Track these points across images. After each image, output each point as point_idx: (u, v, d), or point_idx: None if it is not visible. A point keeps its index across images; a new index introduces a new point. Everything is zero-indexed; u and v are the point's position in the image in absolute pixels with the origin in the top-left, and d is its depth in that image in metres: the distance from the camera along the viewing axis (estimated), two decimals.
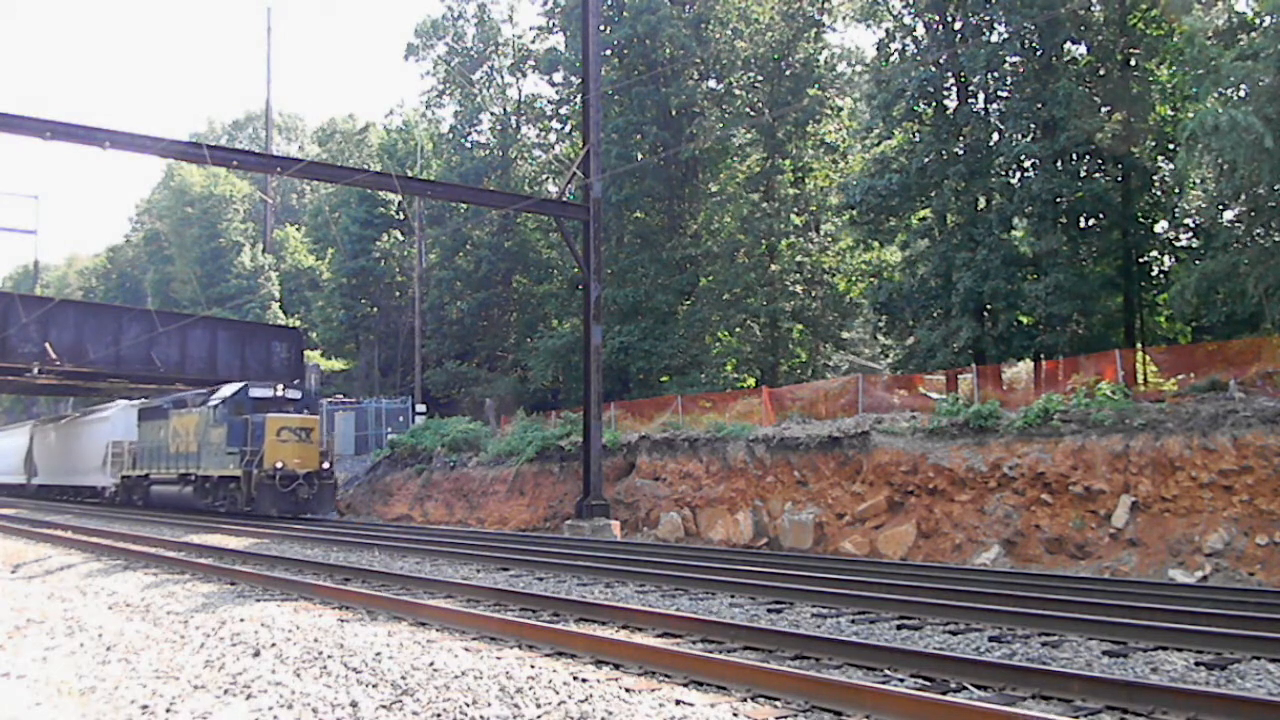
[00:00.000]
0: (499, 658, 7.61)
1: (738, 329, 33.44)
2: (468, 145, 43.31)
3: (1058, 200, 23.33)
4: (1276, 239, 18.35)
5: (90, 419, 38.81)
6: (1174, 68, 23.44)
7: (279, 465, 25.22)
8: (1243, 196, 18.63)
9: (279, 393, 27.36)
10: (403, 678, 6.95)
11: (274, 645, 8.29)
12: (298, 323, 51.83)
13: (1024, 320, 23.83)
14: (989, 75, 25.29)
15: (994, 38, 25.25)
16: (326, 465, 26.69)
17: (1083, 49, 25.49)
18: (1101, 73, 24.71)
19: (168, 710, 6.43)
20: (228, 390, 28.23)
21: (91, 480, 37.13)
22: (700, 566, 13.52)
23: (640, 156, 33.48)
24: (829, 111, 33.94)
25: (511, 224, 39.85)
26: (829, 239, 34.37)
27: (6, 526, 23.46)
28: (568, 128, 40.51)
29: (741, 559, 15.83)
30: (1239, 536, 14.63)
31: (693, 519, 22.78)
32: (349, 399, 42.53)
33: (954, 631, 8.84)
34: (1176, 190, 23.22)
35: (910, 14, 27.51)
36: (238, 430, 26.33)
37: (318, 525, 24.40)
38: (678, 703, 6.21)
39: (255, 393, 27.21)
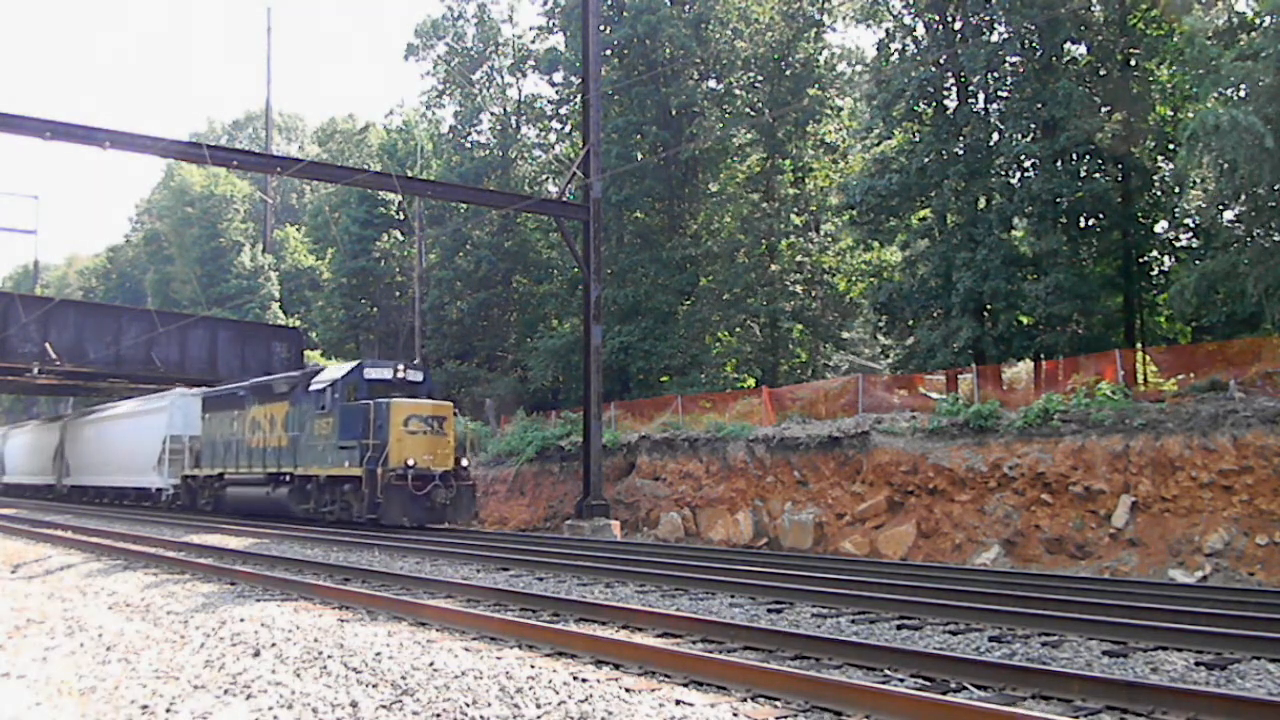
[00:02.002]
0: (499, 658, 7.61)
1: (738, 329, 33.43)
2: (468, 145, 43.30)
3: (1058, 200, 23.33)
4: (1276, 239, 18.34)
5: (140, 410, 34.20)
6: (1174, 68, 23.44)
7: (410, 463, 20.48)
8: (1243, 196, 18.62)
9: (399, 374, 22.63)
10: (403, 678, 6.95)
11: (274, 645, 8.29)
12: (298, 323, 51.81)
13: (1024, 320, 23.83)
14: (989, 75, 25.29)
15: (994, 38, 25.25)
16: (465, 463, 22.17)
17: (1083, 49, 25.48)
18: (1101, 73, 24.71)
19: (168, 710, 6.43)
20: (335, 371, 23.48)
21: (142, 481, 32.90)
22: (700, 566, 13.52)
23: (640, 156, 33.47)
24: (829, 111, 33.94)
25: (511, 224, 39.84)
26: (829, 239, 34.36)
27: (6, 526, 23.45)
28: (568, 128, 40.50)
29: (741, 559, 15.83)
30: (1239, 536, 14.63)
31: (693, 519, 22.78)
32: None
33: (954, 631, 8.83)
34: (1176, 190, 23.20)
35: (910, 14, 27.50)
36: (353, 419, 21.61)
37: (432, 536, 20.16)
38: (678, 703, 6.21)
39: (371, 373, 22.45)
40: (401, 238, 45.75)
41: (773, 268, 32.03)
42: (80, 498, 38.75)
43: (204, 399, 29.76)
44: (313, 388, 23.22)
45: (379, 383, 22.24)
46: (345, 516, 22.10)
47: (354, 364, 23.02)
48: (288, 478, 23.94)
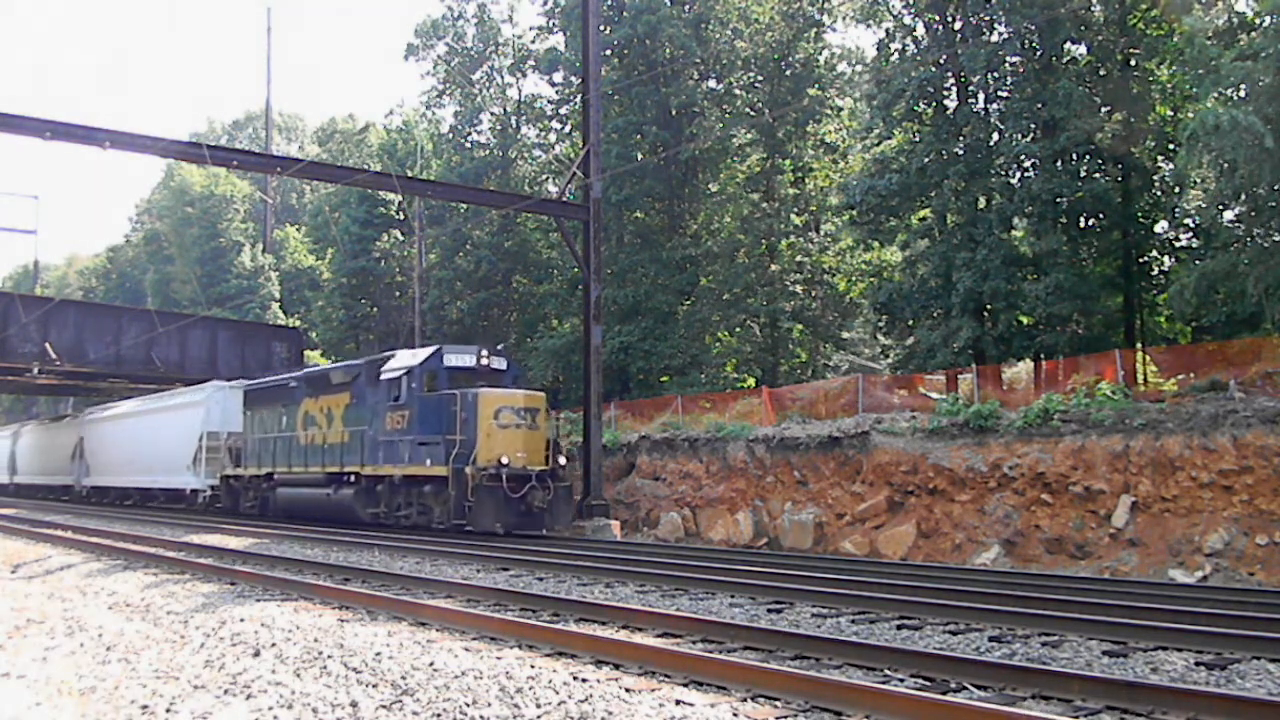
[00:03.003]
0: (499, 658, 7.61)
1: (738, 329, 33.43)
2: (468, 145, 43.30)
3: (1058, 200, 23.34)
4: (1276, 239, 18.35)
5: (173, 405, 31.71)
6: (1174, 68, 23.44)
7: (503, 460, 18.32)
8: (1243, 196, 18.62)
9: (483, 361, 20.33)
10: (403, 678, 6.95)
11: (274, 645, 8.29)
12: (298, 323, 51.81)
13: (1024, 320, 23.84)
14: (989, 75, 25.29)
15: (994, 38, 25.25)
16: (562, 461, 19.82)
17: (1083, 49, 25.48)
18: (1101, 73, 24.71)
19: (168, 710, 6.43)
20: (409, 357, 20.93)
21: (174, 481, 30.64)
22: (700, 566, 13.52)
23: (640, 156, 33.47)
24: (829, 111, 33.94)
25: (511, 224, 39.84)
26: (829, 239, 34.36)
27: (6, 526, 23.45)
28: (568, 128, 40.50)
29: (741, 559, 15.83)
30: (1239, 536, 14.63)
31: (693, 519, 22.79)
32: None
33: (954, 631, 8.83)
34: (1176, 190, 23.21)
35: (910, 14, 27.50)
36: (434, 412, 19.38)
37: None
38: (678, 703, 6.21)
39: (452, 360, 20.22)
40: (401, 238, 45.75)
41: (773, 268, 32.03)
42: (101, 500, 36.68)
43: (246, 392, 27.50)
44: (384, 377, 20.75)
45: (460, 371, 20.03)
46: (424, 521, 19.82)
47: (431, 349, 20.58)
48: (351, 478, 21.56)
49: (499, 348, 22.31)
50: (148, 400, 34.81)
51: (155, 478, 31.97)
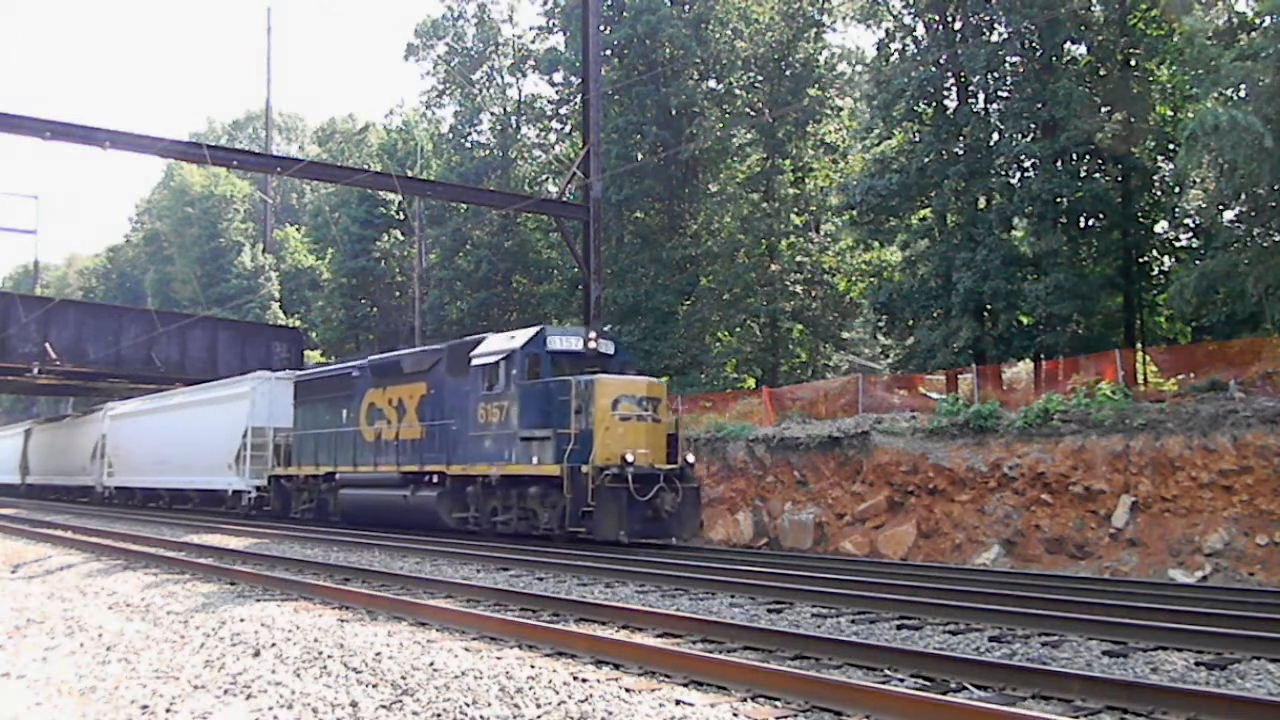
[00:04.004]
0: (499, 658, 7.61)
1: (738, 329, 33.43)
2: (468, 145, 43.31)
3: (1058, 200, 23.34)
4: (1276, 239, 18.35)
5: (211, 398, 29.24)
6: (1174, 68, 23.45)
7: (628, 458, 16.08)
8: (1243, 196, 18.63)
9: (590, 344, 18.08)
10: (403, 678, 6.95)
11: (274, 645, 8.29)
12: (298, 323, 51.82)
13: (1024, 320, 23.84)
14: (989, 75, 25.29)
15: (994, 38, 25.25)
16: (690, 458, 17.58)
17: (1083, 49, 25.49)
18: (1101, 73, 24.72)
19: (168, 710, 6.43)
20: (504, 341, 18.41)
21: (213, 482, 28.19)
22: (700, 566, 13.51)
23: (640, 156, 33.48)
24: (829, 111, 33.95)
25: (511, 224, 39.85)
26: (829, 239, 34.37)
27: (6, 526, 23.45)
28: (568, 128, 40.52)
29: (741, 559, 15.82)
30: (1239, 536, 14.63)
31: None
32: None
33: (954, 631, 8.83)
34: (1176, 190, 23.22)
35: (910, 14, 27.51)
36: (541, 403, 17.12)
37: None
38: (678, 703, 6.21)
39: (557, 343, 17.91)
40: (401, 238, 45.76)
41: (773, 268, 32.03)
42: (127, 502, 34.26)
43: (297, 383, 25.21)
44: (475, 363, 18.36)
45: (564, 355, 17.79)
46: (527, 528, 17.53)
47: (532, 331, 18.07)
48: (433, 478, 19.31)
49: (606, 329, 19.52)
50: (182, 393, 32.25)
51: (191, 478, 29.48)
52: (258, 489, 26.00)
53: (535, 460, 16.88)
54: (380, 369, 21.76)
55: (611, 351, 18.46)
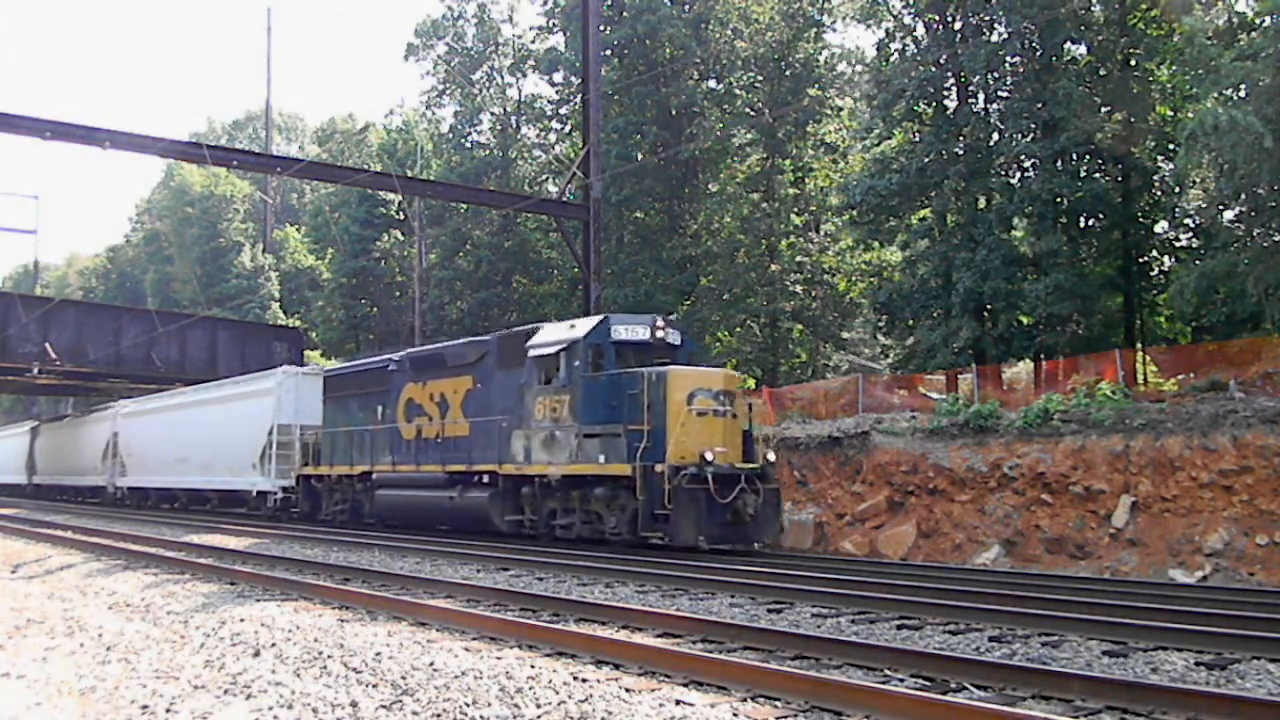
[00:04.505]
0: (499, 658, 7.61)
1: (738, 329, 33.43)
2: (468, 145, 43.33)
3: (1058, 200, 23.35)
4: (1276, 239, 18.36)
5: (233, 393, 28.17)
6: (1174, 68, 23.45)
7: (707, 457, 14.82)
8: (1243, 196, 18.64)
9: (658, 334, 16.74)
10: (403, 678, 6.95)
11: (274, 645, 8.29)
12: (298, 323, 51.83)
13: (1024, 320, 23.85)
14: (989, 75, 25.30)
15: (994, 38, 25.26)
16: (771, 457, 16.38)
17: (1083, 49, 25.49)
18: (1101, 73, 24.72)
19: (168, 710, 6.43)
20: (563, 330, 17.12)
21: (235, 482, 26.99)
22: (700, 566, 13.51)
23: (640, 156, 33.48)
24: (829, 111, 33.94)
25: (511, 224, 39.86)
26: (829, 239, 34.37)
27: (6, 526, 23.45)
28: (568, 128, 40.52)
29: (741, 559, 15.82)
30: (1239, 536, 14.63)
31: None
32: None
33: (954, 631, 8.83)
34: (1176, 190, 23.22)
35: (910, 14, 27.51)
36: (608, 396, 15.91)
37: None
38: (678, 703, 6.21)
39: (622, 332, 16.56)
40: (401, 238, 45.77)
41: (773, 268, 32.03)
42: (140, 504, 33.26)
43: (327, 378, 24.26)
44: (533, 354, 17.07)
45: (630, 346, 16.47)
46: (591, 533, 16.20)
47: (596, 320, 16.80)
48: (483, 478, 18.11)
49: (672, 316, 17.48)
50: (201, 390, 31.04)
51: (211, 478, 28.26)
52: (284, 490, 24.84)
53: (603, 459, 15.58)
54: (420, 362, 20.74)
55: (678, 341, 17.14)
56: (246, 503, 26.82)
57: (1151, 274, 24.96)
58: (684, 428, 14.97)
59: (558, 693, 6.40)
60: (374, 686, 6.81)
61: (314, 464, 23.72)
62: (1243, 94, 18.10)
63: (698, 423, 15.16)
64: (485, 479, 18.08)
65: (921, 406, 21.23)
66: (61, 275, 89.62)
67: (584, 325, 16.75)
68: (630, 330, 16.62)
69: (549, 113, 42.46)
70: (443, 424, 19.37)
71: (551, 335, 17.14)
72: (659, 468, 14.71)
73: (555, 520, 16.90)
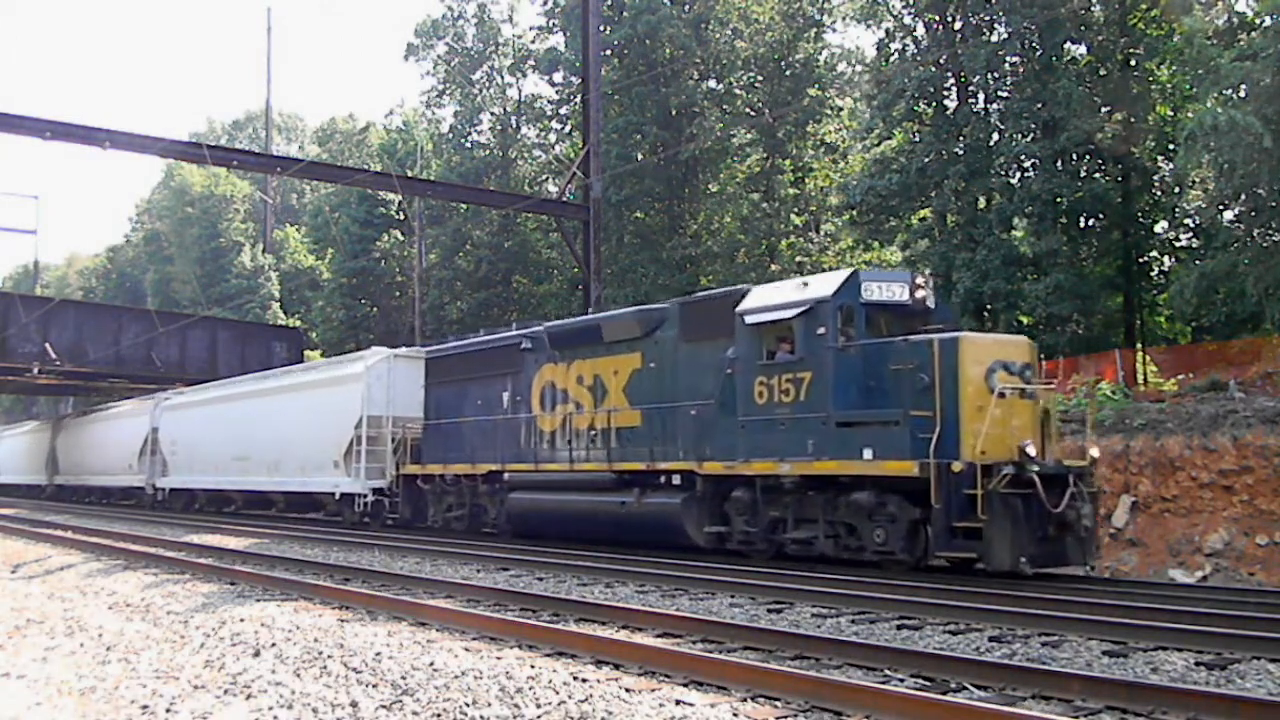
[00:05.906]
0: (499, 658, 7.61)
1: None
2: (468, 145, 43.34)
3: (1058, 200, 23.36)
4: (1276, 239, 18.37)
5: (309, 380, 24.48)
6: (1174, 68, 23.47)
7: (1029, 452, 11.18)
8: (1243, 196, 18.65)
9: (917, 294, 13.06)
10: (403, 678, 6.95)
11: (274, 645, 8.29)
12: (298, 323, 51.82)
13: (1024, 320, 23.85)
14: (989, 75, 25.32)
15: (994, 38, 25.28)
16: (1095, 453, 12.75)
17: (1083, 49, 25.52)
18: (1101, 73, 24.74)
19: (168, 710, 6.43)
20: (796, 289, 13.36)
21: (311, 483, 22.92)
22: (700, 566, 13.50)
23: (640, 156, 33.49)
24: (829, 111, 33.97)
25: (511, 224, 39.86)
26: (829, 239, 34.38)
27: (6, 527, 23.45)
28: (568, 128, 40.53)
29: (741, 559, 15.81)
30: (1239, 536, 14.63)
31: None
32: None
33: (954, 631, 8.83)
34: (1176, 190, 23.25)
35: (910, 14, 27.54)
36: (869, 372, 12.42)
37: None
38: (678, 703, 6.21)
39: (873, 291, 12.81)
40: (401, 238, 45.77)
41: (773, 268, 32.04)
42: (187, 506, 29.59)
43: (429, 361, 20.51)
44: (750, 319, 13.43)
45: (882, 309, 12.93)
46: (843, 550, 12.87)
47: (844, 275, 13.07)
48: (671, 478, 14.77)
49: (925, 275, 13.69)
50: (267, 377, 27.44)
51: (280, 479, 24.19)
52: (374, 491, 20.72)
53: (868, 454, 12.05)
54: (563, 337, 17.17)
55: (934, 305, 13.46)
56: (324, 507, 23.30)
57: (1151, 274, 24.99)
58: (982, 413, 11.33)
59: (558, 693, 6.40)
60: (374, 686, 6.81)
61: (415, 462, 20.13)
62: (1242, 94, 18.11)
63: (1000, 407, 11.45)
64: (676, 480, 14.71)
65: None
66: (61, 275, 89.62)
67: (825, 282, 13.12)
68: (885, 289, 12.97)
69: (549, 113, 42.47)
70: (599, 413, 15.98)
71: (776, 297, 13.52)
72: (956, 466, 11.26)
73: (784, 534, 13.54)
